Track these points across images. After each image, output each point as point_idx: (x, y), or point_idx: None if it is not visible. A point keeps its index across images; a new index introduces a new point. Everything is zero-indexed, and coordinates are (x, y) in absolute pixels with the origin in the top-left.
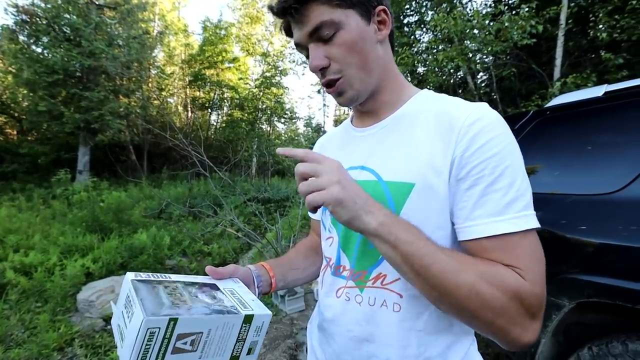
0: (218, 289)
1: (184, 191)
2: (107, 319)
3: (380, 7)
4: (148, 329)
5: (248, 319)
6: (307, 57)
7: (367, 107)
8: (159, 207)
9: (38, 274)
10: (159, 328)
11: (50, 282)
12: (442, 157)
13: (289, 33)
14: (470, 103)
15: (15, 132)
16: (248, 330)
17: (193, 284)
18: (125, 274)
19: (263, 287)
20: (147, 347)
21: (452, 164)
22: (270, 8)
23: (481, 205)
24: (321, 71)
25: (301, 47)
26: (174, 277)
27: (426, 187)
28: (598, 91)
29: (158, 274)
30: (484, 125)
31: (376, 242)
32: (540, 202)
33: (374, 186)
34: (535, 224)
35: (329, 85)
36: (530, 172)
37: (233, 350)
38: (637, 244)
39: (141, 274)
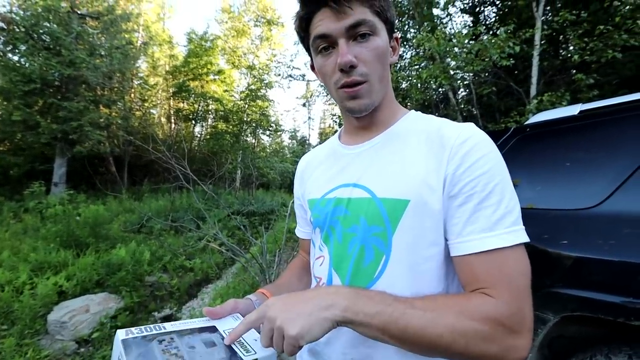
0: (217, 331)
1: (166, 204)
2: (80, 342)
3: (397, 35)
4: None
5: None
6: (324, 49)
7: (364, 121)
8: (140, 221)
9: (5, 294)
10: None
11: (19, 302)
12: (435, 174)
13: (304, 25)
14: (459, 123)
15: None
16: None
17: (190, 331)
18: (101, 292)
19: None
20: None
21: (444, 181)
22: None
23: (473, 222)
24: (346, 71)
25: (326, 39)
26: (169, 326)
27: (421, 204)
28: (573, 110)
29: (151, 326)
30: (474, 144)
31: (350, 326)
32: (524, 217)
33: (368, 203)
34: (524, 238)
35: (350, 85)
36: (516, 187)
37: None
38: (616, 257)
39: (132, 329)
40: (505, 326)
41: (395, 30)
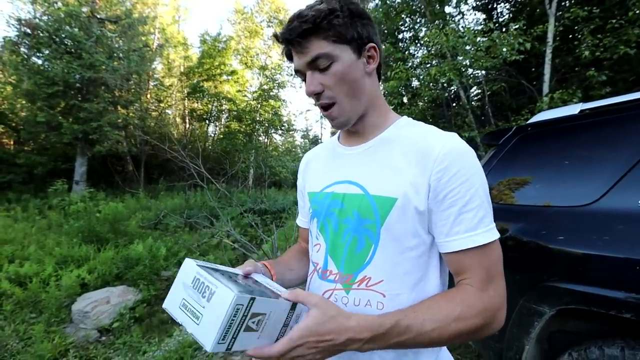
0: (257, 281)
1: (181, 202)
2: (102, 330)
3: (371, 44)
4: (237, 304)
5: (294, 307)
6: (304, 81)
7: (354, 127)
8: (156, 218)
9: (33, 285)
10: (242, 305)
11: (45, 292)
12: (420, 178)
13: (290, 58)
14: (444, 133)
15: (12, 142)
16: (291, 317)
17: (237, 274)
18: (120, 284)
19: None
20: (231, 322)
21: (429, 187)
22: (276, 36)
23: (458, 224)
24: (315, 96)
25: (300, 72)
26: (221, 267)
27: (406, 202)
28: (574, 109)
29: (209, 263)
30: (455, 156)
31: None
32: (524, 213)
33: (361, 199)
34: (497, 234)
35: (323, 107)
36: (518, 184)
37: (278, 334)
38: (610, 253)
39: (198, 261)
40: (491, 310)
41: (368, 41)
